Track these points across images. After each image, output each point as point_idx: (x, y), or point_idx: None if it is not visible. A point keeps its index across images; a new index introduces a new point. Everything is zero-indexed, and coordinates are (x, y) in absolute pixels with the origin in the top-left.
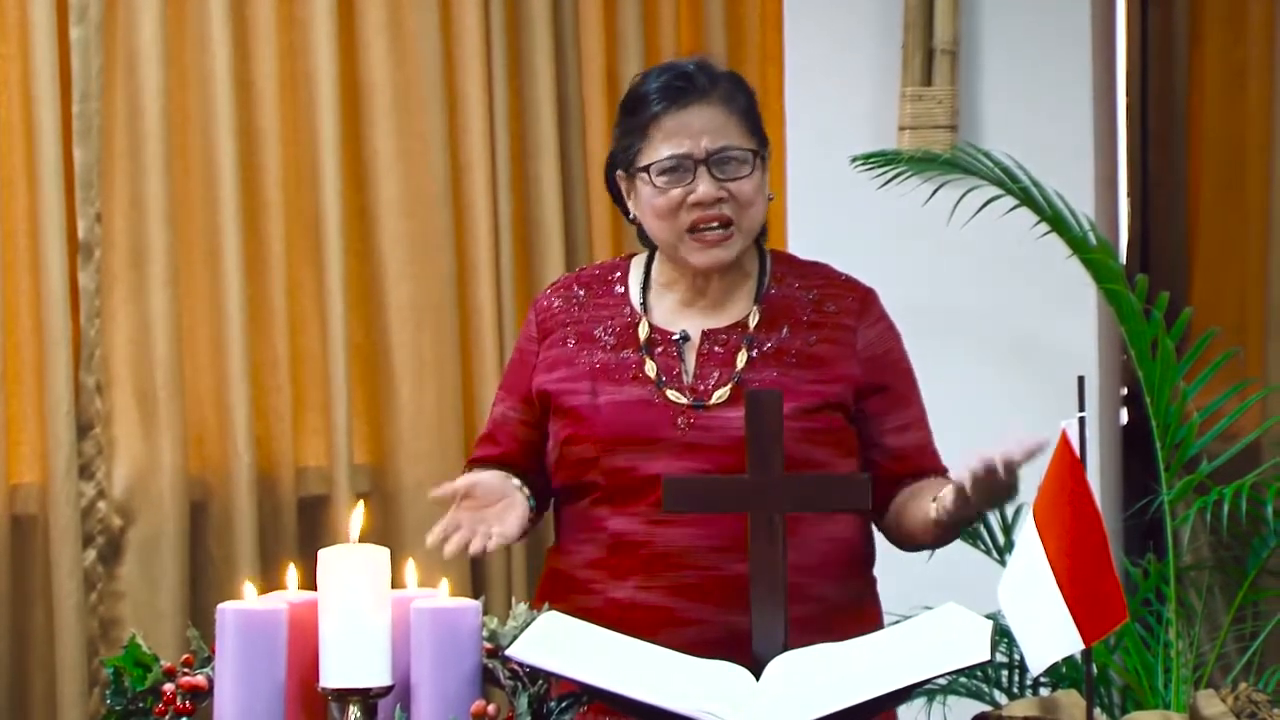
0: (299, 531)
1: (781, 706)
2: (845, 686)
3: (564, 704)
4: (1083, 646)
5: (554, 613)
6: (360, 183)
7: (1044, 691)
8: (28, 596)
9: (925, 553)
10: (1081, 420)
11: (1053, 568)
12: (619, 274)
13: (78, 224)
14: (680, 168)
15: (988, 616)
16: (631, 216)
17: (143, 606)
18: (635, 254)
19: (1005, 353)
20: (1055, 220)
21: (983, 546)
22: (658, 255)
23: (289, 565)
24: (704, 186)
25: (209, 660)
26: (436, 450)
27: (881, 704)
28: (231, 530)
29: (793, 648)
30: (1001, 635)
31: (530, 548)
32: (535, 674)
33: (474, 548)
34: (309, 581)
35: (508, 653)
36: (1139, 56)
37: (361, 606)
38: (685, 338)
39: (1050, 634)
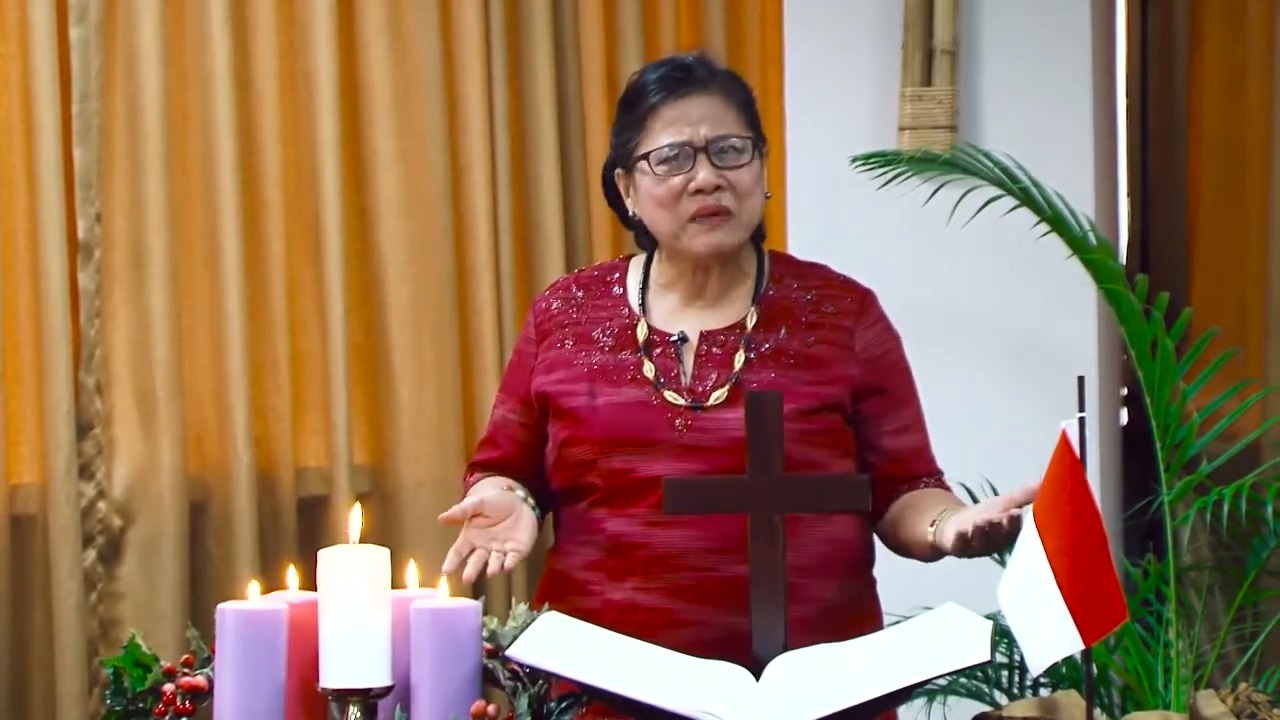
0: (299, 532)
1: (781, 707)
2: (845, 687)
3: (564, 704)
4: (1083, 647)
5: (554, 613)
6: (360, 183)
7: (1044, 692)
8: (27, 596)
9: None
10: (1081, 420)
11: (1053, 568)
12: (617, 275)
13: (77, 224)
14: (680, 155)
15: (988, 616)
16: (631, 215)
17: (143, 607)
18: (634, 255)
19: (1005, 353)
20: (1055, 220)
21: None
22: (656, 256)
23: (289, 565)
24: (704, 173)
25: (209, 660)
26: (436, 450)
27: (881, 704)
28: (231, 530)
29: (793, 648)
30: (1001, 635)
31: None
32: (535, 674)
33: (492, 568)
34: (309, 582)
35: (508, 653)
36: (1139, 56)
37: (361, 606)
38: (683, 339)
39: (1050, 634)
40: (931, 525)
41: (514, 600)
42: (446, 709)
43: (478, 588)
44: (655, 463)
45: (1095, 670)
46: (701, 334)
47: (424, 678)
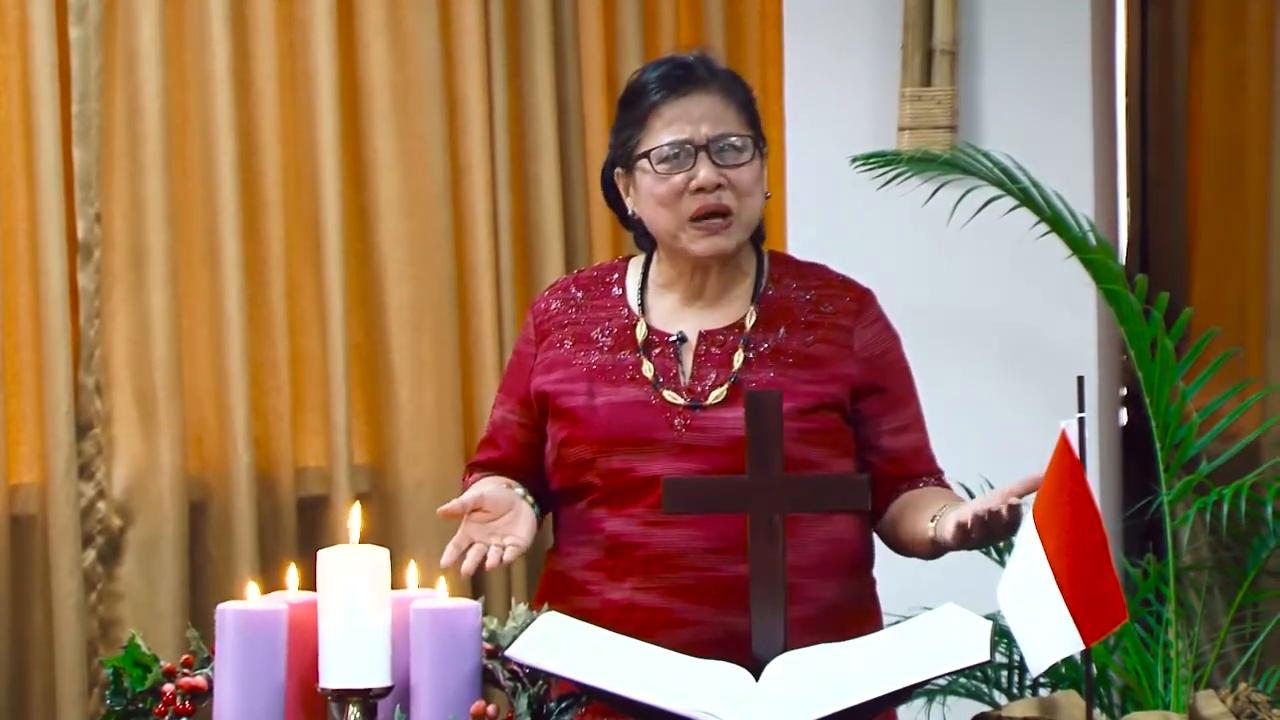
0: (298, 532)
1: (781, 707)
2: (845, 687)
3: (563, 704)
4: (1082, 647)
5: (553, 613)
6: (360, 183)
7: (1043, 692)
8: (27, 597)
9: None
10: (1081, 421)
11: (1052, 568)
12: (616, 275)
13: (77, 224)
14: (681, 154)
15: (988, 616)
16: (631, 214)
17: (142, 607)
18: (633, 255)
19: (1005, 353)
20: (1055, 220)
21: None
22: (655, 256)
23: (289, 565)
24: (705, 171)
25: (209, 661)
26: (436, 450)
27: (881, 704)
28: (231, 530)
29: (792, 648)
30: (1001, 635)
31: (530, 549)
32: (535, 674)
33: (490, 561)
34: (309, 582)
35: (507, 653)
36: (1139, 56)
37: (361, 607)
38: (682, 339)
39: (1050, 634)
40: (932, 521)
41: (513, 600)
42: (446, 709)
43: (477, 587)
44: (654, 462)
45: (1095, 670)
46: (700, 334)
47: (424, 678)
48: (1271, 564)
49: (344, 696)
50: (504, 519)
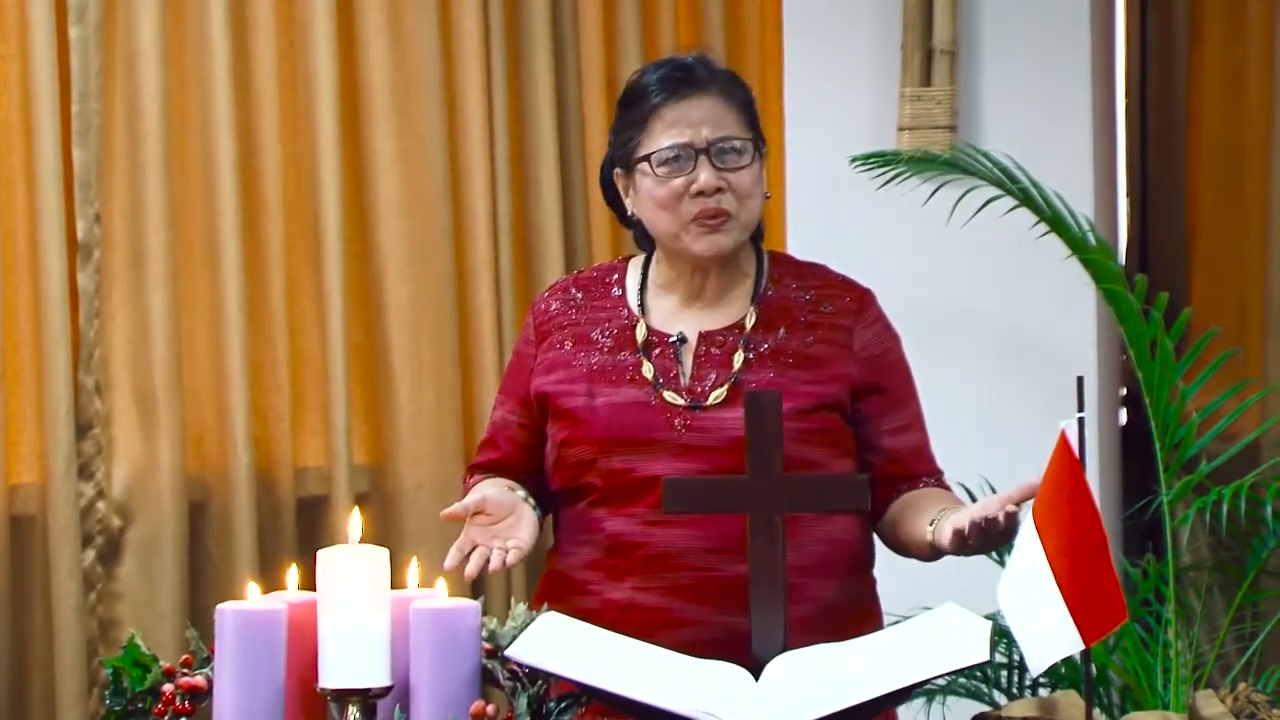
0: (298, 532)
1: (781, 707)
2: (845, 687)
3: (563, 704)
4: (1082, 647)
5: (553, 613)
6: (360, 183)
7: (1043, 692)
8: (27, 597)
9: None
10: (1081, 420)
11: (1052, 568)
12: (616, 276)
13: (77, 224)
14: (681, 157)
15: (988, 616)
16: (629, 214)
17: (142, 607)
18: (632, 256)
19: (1005, 353)
20: (1054, 220)
21: None
22: (655, 256)
23: (289, 565)
24: (705, 175)
25: (208, 660)
26: (435, 451)
27: (881, 704)
28: (230, 530)
29: (792, 648)
30: (1001, 635)
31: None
32: (534, 674)
33: (494, 564)
34: (309, 582)
35: (507, 653)
36: (1138, 57)
37: (361, 607)
38: (682, 340)
39: (1050, 634)
40: (930, 525)
41: (513, 600)
42: (446, 709)
43: (477, 587)
44: (654, 462)
45: (1094, 670)
46: (700, 334)
47: (423, 678)
48: (1271, 564)
49: (344, 696)
50: (506, 522)
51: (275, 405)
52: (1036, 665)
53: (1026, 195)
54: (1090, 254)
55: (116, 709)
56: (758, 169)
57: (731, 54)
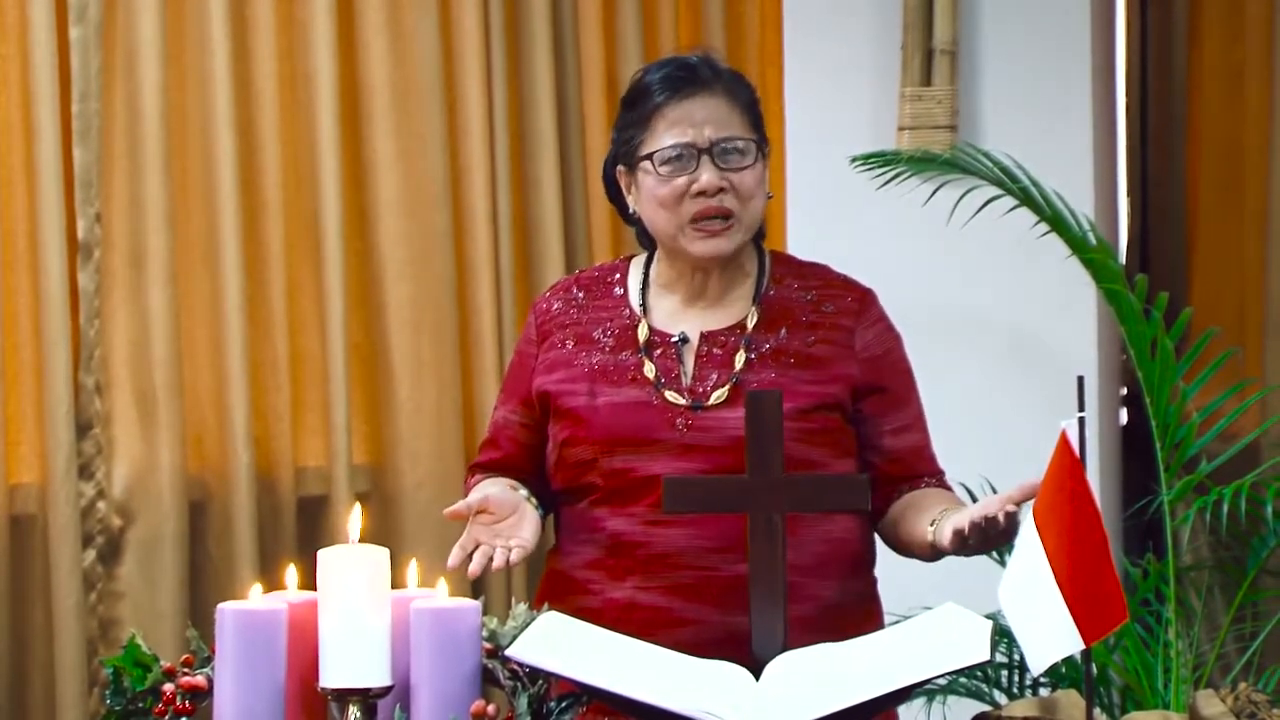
0: (298, 531)
1: (781, 706)
2: (845, 686)
3: (564, 704)
4: (1083, 646)
5: (554, 613)
6: (360, 183)
7: (1044, 691)
8: (27, 596)
9: None
10: (1081, 420)
11: (1053, 568)
12: (618, 276)
13: (77, 224)
14: (684, 156)
15: (988, 616)
16: (631, 212)
17: (142, 606)
18: (634, 255)
19: (1005, 353)
20: (1055, 220)
21: None
22: (657, 256)
23: (289, 565)
24: (707, 175)
25: (209, 660)
26: (435, 450)
27: (881, 704)
28: (231, 530)
29: (792, 648)
30: (1001, 635)
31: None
32: (535, 674)
33: (497, 563)
34: (309, 582)
35: (507, 653)
36: (1139, 56)
37: (361, 606)
38: (684, 339)
39: (1050, 634)
40: (931, 525)
41: (514, 600)
42: (446, 709)
43: (477, 587)
44: (655, 462)
45: (1095, 670)
46: (702, 334)
47: (424, 678)
48: (1271, 564)
49: (344, 696)
50: (509, 521)
51: (275, 405)
52: (1037, 665)
53: (1027, 195)
54: (1090, 254)
55: (117, 709)
56: (761, 169)
57: (731, 53)
